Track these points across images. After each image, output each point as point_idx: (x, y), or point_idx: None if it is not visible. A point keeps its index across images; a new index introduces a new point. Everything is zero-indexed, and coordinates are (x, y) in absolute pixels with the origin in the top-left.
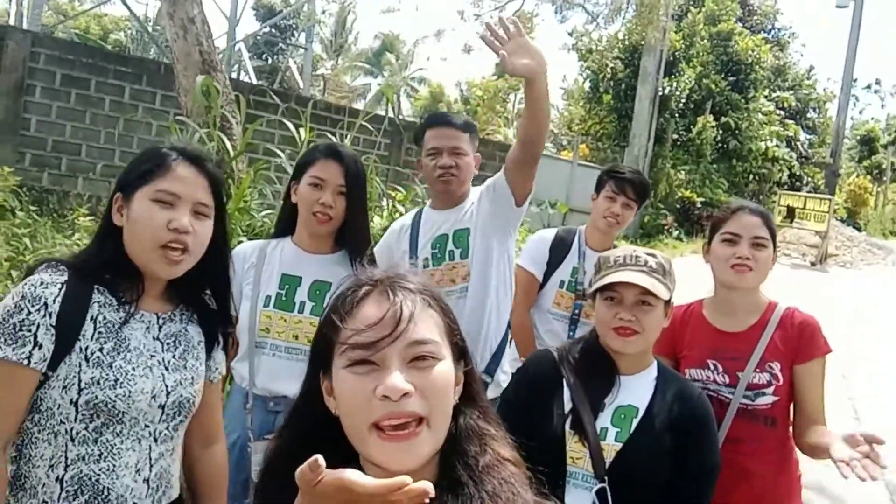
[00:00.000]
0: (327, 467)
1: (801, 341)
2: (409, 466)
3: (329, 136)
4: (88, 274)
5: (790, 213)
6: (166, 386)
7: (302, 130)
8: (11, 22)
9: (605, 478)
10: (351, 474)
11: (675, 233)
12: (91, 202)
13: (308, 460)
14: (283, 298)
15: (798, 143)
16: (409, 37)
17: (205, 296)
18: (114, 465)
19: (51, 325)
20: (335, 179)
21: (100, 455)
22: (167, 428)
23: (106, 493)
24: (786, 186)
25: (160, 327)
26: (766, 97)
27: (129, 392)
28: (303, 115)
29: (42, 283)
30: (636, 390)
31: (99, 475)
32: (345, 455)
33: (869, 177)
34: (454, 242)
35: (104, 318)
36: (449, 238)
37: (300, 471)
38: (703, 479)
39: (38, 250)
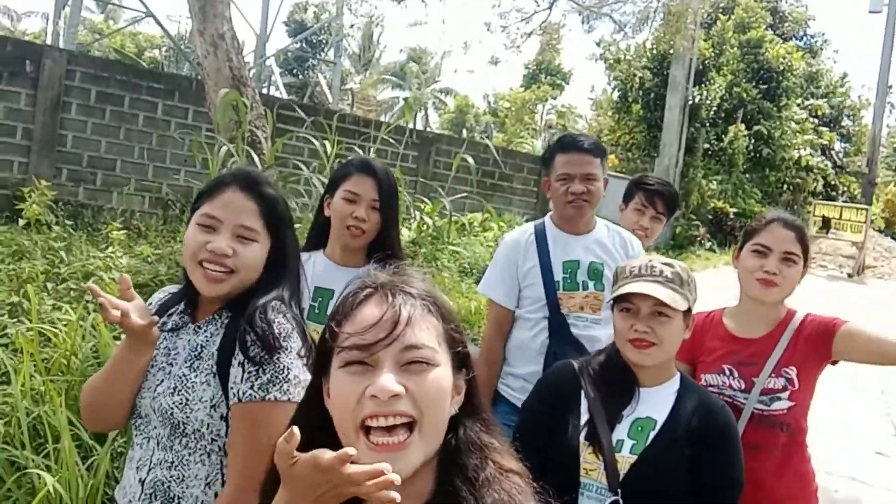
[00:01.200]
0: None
1: (818, 332)
2: (399, 476)
3: (356, 149)
4: (182, 289)
5: (826, 224)
6: (160, 390)
7: (328, 143)
8: (48, 41)
9: (619, 490)
10: (327, 454)
11: (708, 244)
12: (125, 216)
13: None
14: (317, 311)
15: (833, 152)
16: (436, 50)
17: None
18: (130, 457)
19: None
20: (369, 194)
21: (131, 447)
22: (166, 437)
23: (123, 483)
24: (821, 196)
25: (190, 336)
26: (798, 105)
27: (142, 387)
28: (329, 129)
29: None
30: (656, 403)
31: (125, 467)
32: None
33: None
34: (588, 273)
35: (168, 324)
36: (581, 266)
37: (277, 446)
38: (725, 493)
39: (73, 263)
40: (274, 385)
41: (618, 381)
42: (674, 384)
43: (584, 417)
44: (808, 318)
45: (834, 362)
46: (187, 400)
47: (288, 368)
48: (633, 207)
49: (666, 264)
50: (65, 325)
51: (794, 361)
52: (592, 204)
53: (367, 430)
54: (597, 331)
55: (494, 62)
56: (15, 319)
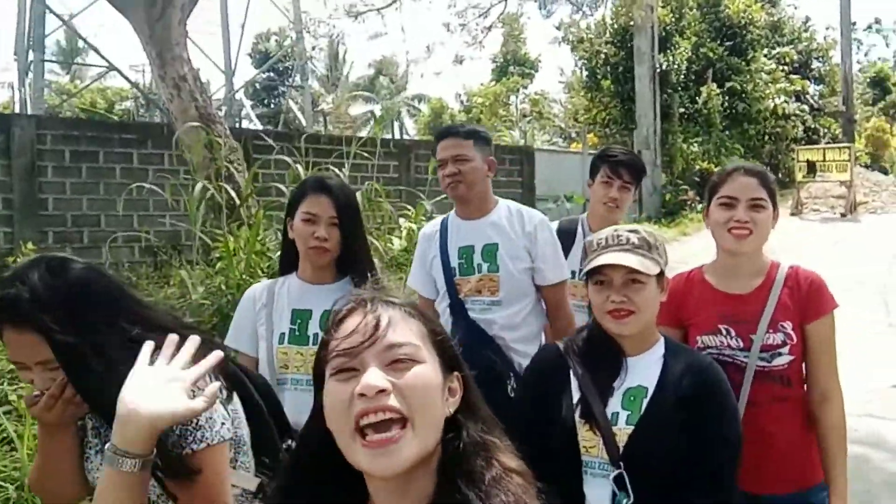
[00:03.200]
0: (334, 485)
1: (808, 299)
2: (395, 470)
3: (332, 168)
4: None
5: (811, 168)
6: None
7: (300, 167)
8: (17, 109)
9: (621, 463)
10: None
11: (699, 206)
12: (115, 269)
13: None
14: (297, 333)
15: (808, 96)
16: (400, 58)
17: None
18: None
19: None
20: (326, 212)
21: None
22: None
23: None
24: (803, 142)
25: None
26: (766, 56)
27: None
28: (302, 152)
29: None
30: (644, 370)
31: None
32: (350, 474)
33: (886, 117)
34: (482, 256)
35: None
36: (475, 250)
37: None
38: (725, 451)
39: None
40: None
41: (603, 354)
42: (659, 349)
43: (576, 396)
44: (796, 272)
45: None
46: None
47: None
48: (600, 181)
49: (632, 231)
50: None
51: (789, 315)
52: (466, 183)
53: (363, 434)
54: (493, 314)
55: (459, 61)
56: (15, 386)
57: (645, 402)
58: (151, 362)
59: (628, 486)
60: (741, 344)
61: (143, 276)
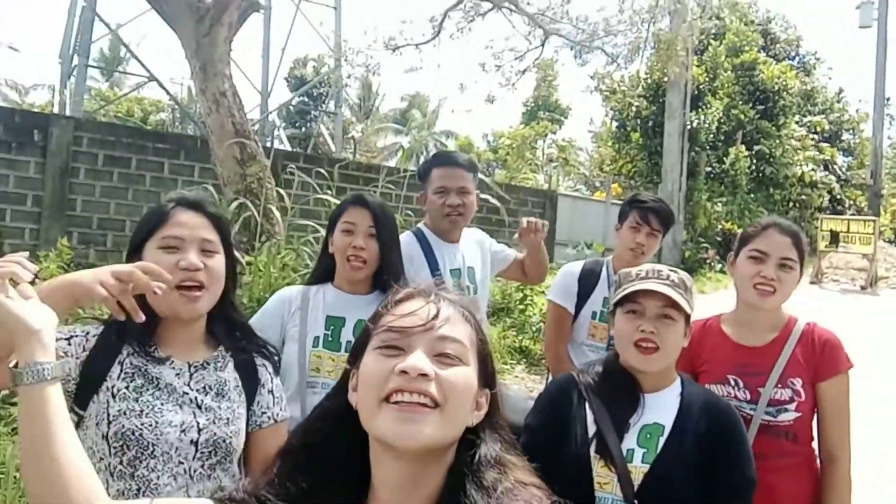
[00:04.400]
0: (340, 458)
1: (822, 357)
2: (413, 441)
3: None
4: (120, 327)
5: (834, 238)
6: (198, 423)
7: (329, 191)
8: (56, 110)
9: (635, 501)
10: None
11: (718, 266)
12: None
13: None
14: (330, 339)
15: (836, 167)
16: (433, 94)
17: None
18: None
19: (80, 362)
20: (364, 223)
21: (138, 490)
22: (202, 466)
23: None
24: (828, 211)
25: (191, 375)
26: (797, 123)
27: (156, 423)
28: (331, 176)
29: (83, 330)
30: (661, 408)
31: None
32: (357, 451)
33: None
34: (468, 278)
35: (131, 362)
36: (463, 273)
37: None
38: (739, 493)
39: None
40: (281, 404)
41: (621, 388)
42: (676, 387)
43: (592, 429)
44: (812, 329)
45: None
46: (239, 430)
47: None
48: (628, 226)
49: (671, 270)
50: None
51: (800, 372)
52: (466, 217)
53: (390, 402)
54: None
55: (491, 100)
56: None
57: (661, 440)
58: None
59: None
60: (748, 396)
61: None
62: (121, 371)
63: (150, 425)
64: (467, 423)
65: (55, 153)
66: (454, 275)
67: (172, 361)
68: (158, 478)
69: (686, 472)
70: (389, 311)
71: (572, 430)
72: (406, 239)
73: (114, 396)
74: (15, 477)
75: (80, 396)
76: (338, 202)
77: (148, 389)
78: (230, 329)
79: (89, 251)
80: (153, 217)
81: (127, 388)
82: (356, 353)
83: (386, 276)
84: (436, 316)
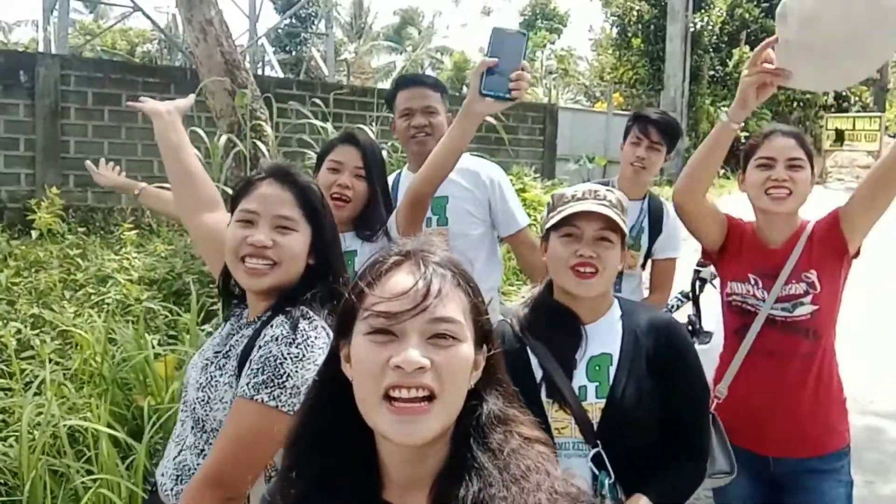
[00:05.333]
0: (339, 432)
1: (827, 227)
2: (416, 441)
3: (356, 121)
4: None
5: (839, 136)
6: (191, 380)
7: (328, 124)
8: (41, 48)
9: (598, 441)
10: None
11: (721, 171)
12: (135, 215)
13: None
14: None
15: None
16: (427, 9)
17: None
18: (173, 432)
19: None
20: (352, 162)
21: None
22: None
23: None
24: (832, 109)
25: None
26: None
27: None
28: (325, 103)
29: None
30: (604, 336)
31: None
32: (358, 423)
33: None
34: (431, 209)
35: (231, 323)
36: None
37: None
38: (697, 408)
39: (89, 269)
40: (266, 387)
41: (559, 323)
42: (615, 311)
43: (539, 373)
44: (818, 219)
45: (856, 255)
46: (209, 398)
47: (287, 375)
48: (629, 141)
49: (608, 190)
50: (87, 332)
51: (813, 264)
52: (435, 137)
53: (389, 399)
54: None
55: (487, 12)
56: (37, 331)
57: (612, 370)
58: None
59: (608, 465)
60: (766, 294)
61: (164, 223)
62: (220, 332)
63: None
64: (467, 390)
65: (43, 94)
66: (437, 205)
67: (246, 326)
68: (181, 415)
69: (643, 399)
70: (374, 288)
71: (519, 378)
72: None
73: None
74: (31, 436)
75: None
76: (332, 129)
77: (207, 348)
78: (298, 298)
79: (87, 194)
80: (241, 187)
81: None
82: (343, 326)
83: (369, 221)
84: (426, 294)
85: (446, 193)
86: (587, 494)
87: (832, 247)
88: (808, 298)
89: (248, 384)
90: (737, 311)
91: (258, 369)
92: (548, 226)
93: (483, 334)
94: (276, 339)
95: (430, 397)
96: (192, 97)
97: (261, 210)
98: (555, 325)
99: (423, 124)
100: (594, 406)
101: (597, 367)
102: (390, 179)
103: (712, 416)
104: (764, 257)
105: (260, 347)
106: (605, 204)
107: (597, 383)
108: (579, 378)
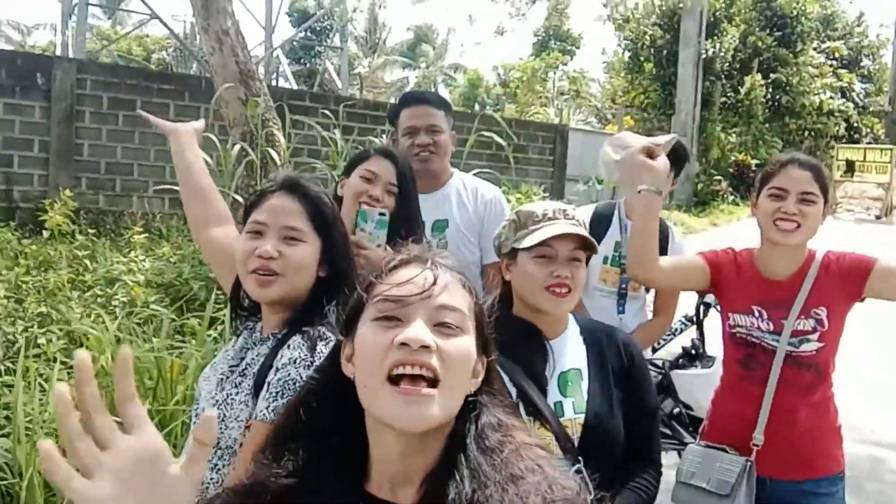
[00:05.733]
0: (334, 433)
1: (850, 270)
2: (416, 425)
3: (368, 135)
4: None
5: (850, 167)
6: (206, 394)
7: (336, 131)
8: (58, 52)
9: (580, 458)
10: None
11: (731, 198)
12: (146, 219)
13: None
14: None
15: (854, 94)
16: (441, 26)
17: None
18: None
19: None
20: (387, 176)
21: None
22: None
23: None
24: (844, 140)
25: (249, 351)
26: (815, 49)
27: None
28: (336, 116)
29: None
30: (570, 351)
31: None
32: (354, 423)
33: None
34: (431, 231)
35: (244, 337)
36: (425, 227)
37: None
38: (653, 420)
39: (98, 270)
40: (271, 402)
41: (525, 340)
42: (573, 326)
43: (513, 391)
44: (831, 256)
45: (862, 299)
46: (225, 416)
47: None
48: None
49: (574, 209)
50: (96, 331)
51: (823, 301)
52: (439, 155)
53: (392, 381)
54: None
55: (501, 32)
56: (45, 329)
57: (584, 384)
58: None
59: (587, 480)
60: (771, 327)
61: (174, 228)
62: (233, 345)
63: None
64: (467, 391)
65: (59, 97)
66: (437, 227)
67: (260, 342)
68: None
69: (615, 413)
70: (384, 280)
71: None
72: None
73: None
74: (27, 430)
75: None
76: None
77: (222, 360)
78: (314, 313)
79: (98, 197)
80: (253, 199)
81: (225, 354)
82: (349, 324)
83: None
84: (434, 283)
85: (446, 216)
86: (584, 496)
87: (847, 291)
88: (816, 336)
89: (266, 408)
90: (741, 342)
91: (277, 393)
92: (522, 246)
93: (483, 340)
94: (295, 363)
95: (434, 382)
96: (202, 122)
97: (269, 221)
98: (520, 342)
99: (426, 143)
100: (574, 422)
101: (569, 383)
102: None
103: (749, 464)
104: (768, 289)
105: (278, 370)
106: (576, 223)
107: (572, 399)
108: (553, 394)
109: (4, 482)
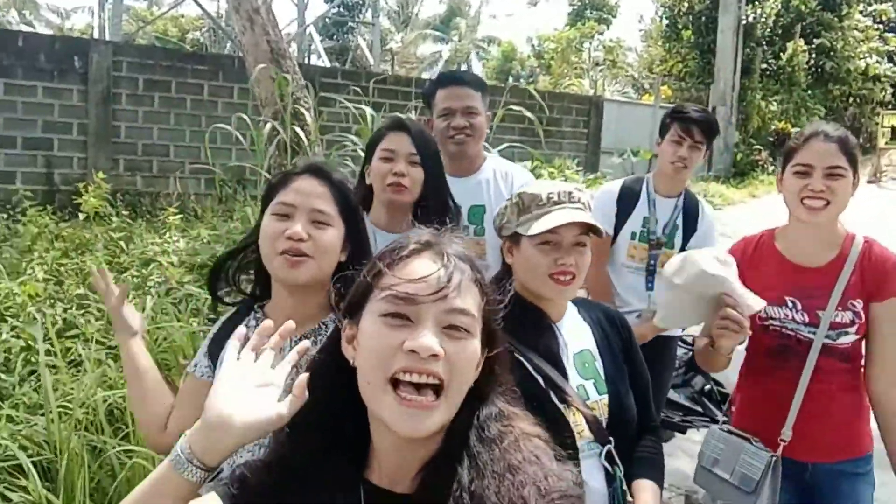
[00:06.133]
0: (336, 417)
1: (880, 277)
2: (419, 434)
3: (399, 111)
4: (250, 303)
5: (895, 134)
6: None
7: (368, 108)
8: (95, 35)
9: (611, 439)
10: None
11: (771, 168)
12: (181, 200)
13: None
14: None
15: None
16: None
17: None
18: None
19: (207, 341)
20: (405, 149)
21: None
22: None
23: None
24: (890, 106)
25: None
26: (861, 13)
27: None
28: (367, 92)
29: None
30: (576, 333)
31: None
32: (356, 409)
33: None
34: (469, 218)
35: (248, 335)
36: (462, 211)
37: None
38: (649, 387)
39: (134, 251)
40: None
41: (535, 326)
42: (573, 308)
43: (540, 380)
44: (871, 246)
45: None
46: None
47: None
48: (670, 139)
49: (579, 190)
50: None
51: (860, 294)
52: (475, 138)
53: (395, 384)
54: None
55: (534, 3)
56: (82, 311)
57: (598, 365)
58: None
59: (617, 459)
60: (806, 318)
61: (208, 208)
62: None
63: None
64: (469, 386)
65: (96, 80)
66: (474, 213)
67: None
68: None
69: (628, 388)
70: (394, 270)
71: (522, 388)
72: None
73: (218, 368)
74: (67, 411)
75: (210, 365)
76: (370, 116)
77: None
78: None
79: (136, 178)
80: (276, 180)
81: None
82: (353, 307)
83: (429, 208)
84: (447, 283)
85: (483, 202)
86: (578, 489)
87: (880, 289)
88: (854, 329)
89: None
90: (775, 334)
91: None
92: (526, 233)
93: (489, 334)
94: None
95: (438, 388)
96: (143, 323)
97: (298, 203)
98: (532, 327)
99: (462, 125)
100: (600, 403)
101: (585, 364)
102: None
103: (774, 459)
104: (801, 277)
105: None
106: (580, 208)
107: (592, 380)
108: (573, 378)
109: (43, 458)
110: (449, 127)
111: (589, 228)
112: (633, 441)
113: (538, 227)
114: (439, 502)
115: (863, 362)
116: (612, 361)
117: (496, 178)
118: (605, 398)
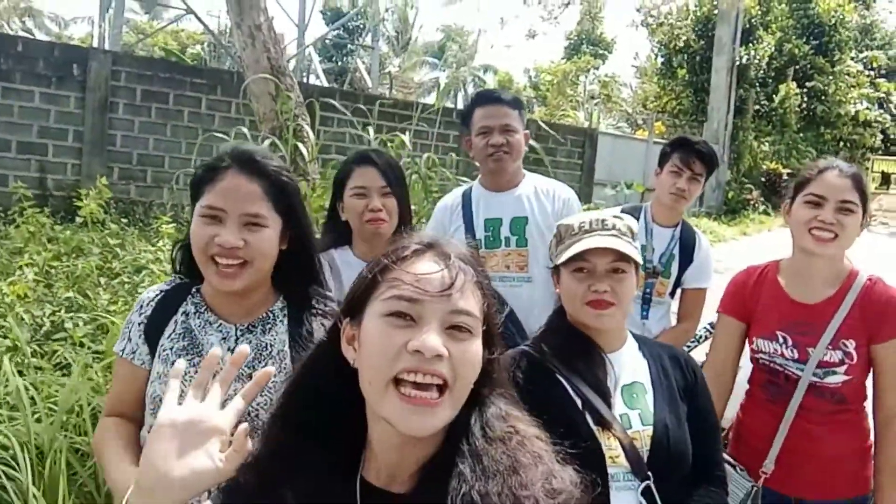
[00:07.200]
0: (332, 416)
1: (880, 318)
2: (423, 432)
3: (398, 133)
4: (181, 285)
5: (885, 179)
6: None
7: (370, 129)
8: (95, 43)
9: (649, 473)
10: None
11: (762, 207)
12: (175, 210)
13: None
14: None
15: (892, 104)
16: (472, 27)
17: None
18: None
19: (140, 324)
20: (376, 183)
21: None
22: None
23: None
24: (880, 151)
25: (237, 340)
26: (853, 58)
27: (183, 392)
28: (370, 115)
29: (150, 290)
30: (630, 365)
31: None
32: (353, 408)
33: None
34: (510, 229)
35: (185, 322)
36: (503, 223)
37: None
38: (716, 436)
39: (125, 258)
40: None
41: (584, 353)
42: (632, 342)
43: (579, 402)
44: (874, 285)
45: None
46: (271, 400)
47: None
48: (669, 170)
49: (616, 217)
50: (122, 318)
51: (855, 334)
52: (513, 156)
53: (397, 383)
54: (522, 290)
55: (532, 35)
56: (71, 314)
57: (648, 398)
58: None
59: (657, 498)
60: (795, 355)
61: None
62: (173, 330)
63: None
64: (471, 386)
65: (94, 88)
66: (490, 224)
67: (221, 324)
68: None
69: (682, 427)
70: (398, 269)
71: (560, 406)
72: (451, 196)
73: (158, 356)
74: (51, 410)
75: (151, 355)
76: (370, 137)
77: (188, 354)
78: (300, 277)
79: (130, 187)
80: (204, 174)
81: (171, 349)
82: (353, 308)
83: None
84: (451, 284)
85: (525, 214)
86: (577, 494)
87: (882, 329)
88: (843, 369)
89: None
90: (764, 369)
91: None
92: (559, 262)
93: (489, 337)
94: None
95: (442, 388)
96: None
97: (228, 207)
98: (579, 353)
99: (500, 143)
100: (642, 434)
101: (634, 396)
102: (458, 194)
103: (755, 490)
104: (796, 312)
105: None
106: (613, 234)
107: (638, 410)
108: (618, 406)
109: (27, 461)
110: (487, 145)
111: (621, 255)
112: (687, 486)
113: (567, 254)
114: (437, 501)
115: (865, 404)
116: (667, 396)
117: (537, 192)
118: (650, 429)
